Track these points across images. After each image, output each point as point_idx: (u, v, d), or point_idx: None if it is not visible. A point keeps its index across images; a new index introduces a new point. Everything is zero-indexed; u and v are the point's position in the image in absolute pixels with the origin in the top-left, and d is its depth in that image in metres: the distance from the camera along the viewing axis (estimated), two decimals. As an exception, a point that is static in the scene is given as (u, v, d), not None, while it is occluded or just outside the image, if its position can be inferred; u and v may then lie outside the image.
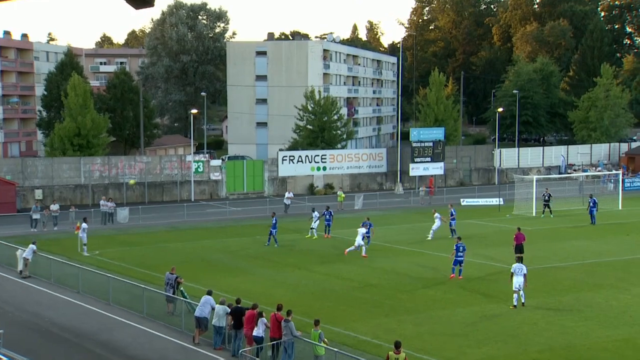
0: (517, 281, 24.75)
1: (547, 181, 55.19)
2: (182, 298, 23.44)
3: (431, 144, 60.74)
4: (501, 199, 52.01)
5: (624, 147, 73.05)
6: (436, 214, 38.85)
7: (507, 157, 68.79)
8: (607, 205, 47.73)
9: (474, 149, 69.10)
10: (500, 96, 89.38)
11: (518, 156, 69.36)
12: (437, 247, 35.43)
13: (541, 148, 73.03)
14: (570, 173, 64.48)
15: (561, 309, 24.37)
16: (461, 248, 29.15)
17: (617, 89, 76.37)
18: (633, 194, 56.61)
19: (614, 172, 57.97)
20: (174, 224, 44.14)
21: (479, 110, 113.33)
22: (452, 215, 38.69)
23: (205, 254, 34.64)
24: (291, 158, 59.57)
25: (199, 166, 56.71)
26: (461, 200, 54.02)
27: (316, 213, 38.74)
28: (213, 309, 21.03)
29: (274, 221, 36.55)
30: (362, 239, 33.21)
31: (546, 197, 46.46)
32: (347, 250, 33.18)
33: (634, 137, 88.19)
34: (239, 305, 20.59)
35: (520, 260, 25.87)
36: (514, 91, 79.67)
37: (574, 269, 30.61)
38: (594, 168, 67.19)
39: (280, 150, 62.61)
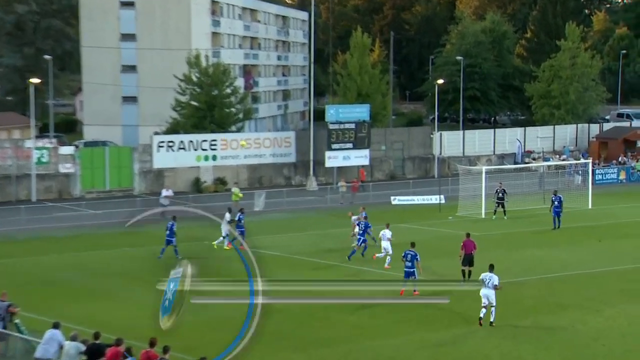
0: (485, 294, 25.85)
1: (499, 173, 56.76)
2: (17, 334, 22.84)
3: (353, 125, 61.33)
4: (442, 197, 53.04)
5: (595, 128, 76.04)
6: (353, 217, 39.19)
7: (450, 142, 70.27)
8: (575, 204, 49.60)
9: (408, 133, 70.25)
10: (441, 64, 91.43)
11: (463, 141, 70.94)
12: (360, 259, 35.89)
13: (492, 131, 74.99)
14: (528, 163, 66.58)
15: (517, 336, 25.04)
16: (409, 257, 29.65)
17: (586, 55, 79.31)
18: (606, 189, 59.02)
19: (582, 161, 60.29)
20: (8, 233, 43.00)
21: (413, 82, 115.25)
22: (364, 218, 38.93)
23: (51, 273, 33.87)
24: (170, 144, 59.08)
25: (42, 155, 55.30)
26: (392, 198, 54.82)
27: (227, 215, 38.67)
28: (62, 347, 20.55)
29: (170, 225, 36.28)
30: (389, 244, 34.42)
31: (500, 194, 47.77)
32: (376, 255, 34.63)
33: (607, 117, 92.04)
34: (98, 342, 20.24)
35: (491, 268, 26.60)
36: (458, 58, 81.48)
37: (534, 285, 31.61)
38: (557, 156, 69.64)
39: (156, 133, 61.90)
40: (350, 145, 61.31)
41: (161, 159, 58.63)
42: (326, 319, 26.93)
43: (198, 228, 42.08)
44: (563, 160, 66.40)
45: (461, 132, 73.47)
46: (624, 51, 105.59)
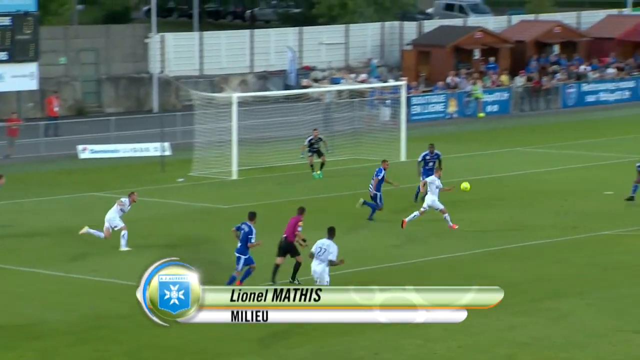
0: (315, 270, 29.56)
1: (262, 104, 57.56)
2: None
3: (8, 21, 60.02)
4: (167, 145, 53.47)
5: (411, 30, 78.60)
6: None
7: (179, 51, 70.96)
8: (381, 153, 50.36)
9: (106, 35, 69.96)
10: None
11: (200, 50, 71.70)
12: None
13: (248, 33, 75.90)
14: (307, 86, 67.70)
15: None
16: (246, 229, 31.35)
17: None
18: (427, 129, 61.37)
19: (391, 83, 61.94)
20: None
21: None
22: None
23: None
24: None
25: None
26: (79, 148, 54.53)
27: None
28: None
29: None
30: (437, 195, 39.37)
31: (315, 144, 49.38)
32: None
33: (430, 10, 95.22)
34: None
35: (330, 234, 29.85)
36: None
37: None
38: (353, 76, 71.14)
39: None
40: (3, 55, 60.28)
41: None
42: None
43: None
44: (362, 81, 67.88)
45: (197, 34, 73.62)
46: None
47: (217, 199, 43.51)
